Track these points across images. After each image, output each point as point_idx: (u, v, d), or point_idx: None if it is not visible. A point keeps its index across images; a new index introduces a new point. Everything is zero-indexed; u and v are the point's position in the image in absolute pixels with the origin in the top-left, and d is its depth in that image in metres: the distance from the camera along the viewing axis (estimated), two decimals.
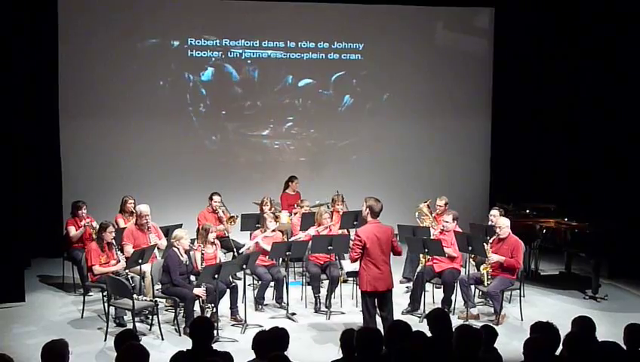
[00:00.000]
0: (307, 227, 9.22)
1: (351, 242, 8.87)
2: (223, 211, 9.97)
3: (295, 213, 10.15)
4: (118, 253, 8.28)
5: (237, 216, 9.97)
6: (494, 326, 7.76)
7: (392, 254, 7.24)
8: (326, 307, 8.50)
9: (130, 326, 7.43)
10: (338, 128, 12.63)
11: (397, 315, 7.43)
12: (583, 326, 5.13)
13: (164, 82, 11.98)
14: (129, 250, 8.39)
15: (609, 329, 6.76)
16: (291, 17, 12.25)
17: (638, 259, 9.93)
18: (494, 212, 9.25)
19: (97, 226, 8.58)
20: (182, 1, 11.84)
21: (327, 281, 8.67)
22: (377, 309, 7.20)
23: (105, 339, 7.41)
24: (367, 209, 7.17)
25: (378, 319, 7.17)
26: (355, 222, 9.52)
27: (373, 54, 12.52)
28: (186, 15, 11.86)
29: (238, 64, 12.17)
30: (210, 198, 9.98)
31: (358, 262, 7.20)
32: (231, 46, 12.10)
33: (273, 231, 8.93)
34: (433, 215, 9.67)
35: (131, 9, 11.65)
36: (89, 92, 11.48)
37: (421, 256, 8.64)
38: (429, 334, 5.10)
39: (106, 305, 7.83)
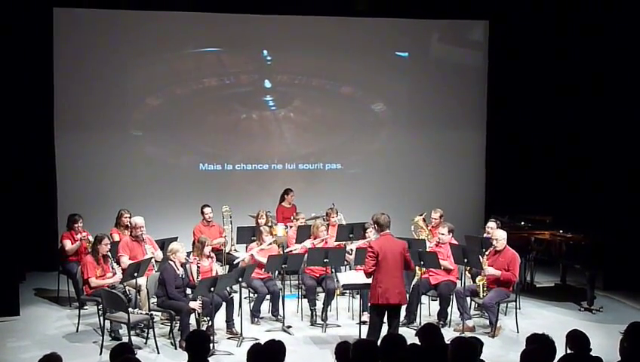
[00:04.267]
0: (303, 239, 9.22)
1: (347, 255, 8.95)
2: (230, 221, 10.04)
3: (291, 226, 10.16)
4: (114, 265, 8.27)
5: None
6: (490, 338, 7.88)
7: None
8: (322, 320, 8.49)
9: (125, 339, 7.40)
10: (333, 141, 12.63)
11: None
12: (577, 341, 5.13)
13: (158, 95, 11.98)
14: (125, 260, 8.38)
15: (604, 341, 6.75)
16: (289, 29, 12.25)
17: (633, 271, 9.96)
18: (491, 224, 9.29)
19: (93, 240, 8.56)
20: (175, 16, 11.85)
21: (323, 294, 8.68)
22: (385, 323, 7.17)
23: (100, 353, 7.37)
24: (374, 224, 7.21)
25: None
26: (350, 235, 9.53)
27: (369, 66, 12.55)
28: (180, 29, 11.86)
29: (232, 76, 12.17)
30: (202, 212, 10.01)
31: (355, 275, 7.19)
32: (225, 59, 12.13)
33: (269, 244, 8.93)
34: (429, 228, 9.68)
35: (126, 23, 11.66)
36: (84, 105, 11.47)
37: (417, 268, 8.65)
38: None
39: (101, 318, 7.82)
